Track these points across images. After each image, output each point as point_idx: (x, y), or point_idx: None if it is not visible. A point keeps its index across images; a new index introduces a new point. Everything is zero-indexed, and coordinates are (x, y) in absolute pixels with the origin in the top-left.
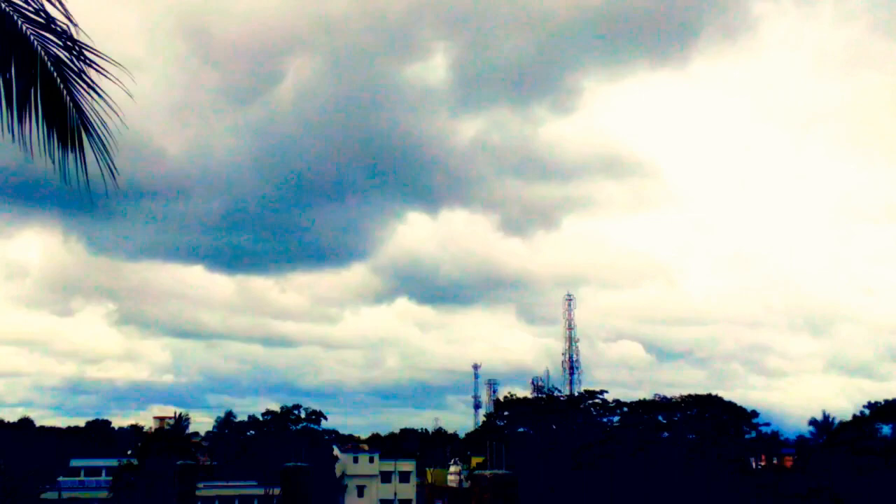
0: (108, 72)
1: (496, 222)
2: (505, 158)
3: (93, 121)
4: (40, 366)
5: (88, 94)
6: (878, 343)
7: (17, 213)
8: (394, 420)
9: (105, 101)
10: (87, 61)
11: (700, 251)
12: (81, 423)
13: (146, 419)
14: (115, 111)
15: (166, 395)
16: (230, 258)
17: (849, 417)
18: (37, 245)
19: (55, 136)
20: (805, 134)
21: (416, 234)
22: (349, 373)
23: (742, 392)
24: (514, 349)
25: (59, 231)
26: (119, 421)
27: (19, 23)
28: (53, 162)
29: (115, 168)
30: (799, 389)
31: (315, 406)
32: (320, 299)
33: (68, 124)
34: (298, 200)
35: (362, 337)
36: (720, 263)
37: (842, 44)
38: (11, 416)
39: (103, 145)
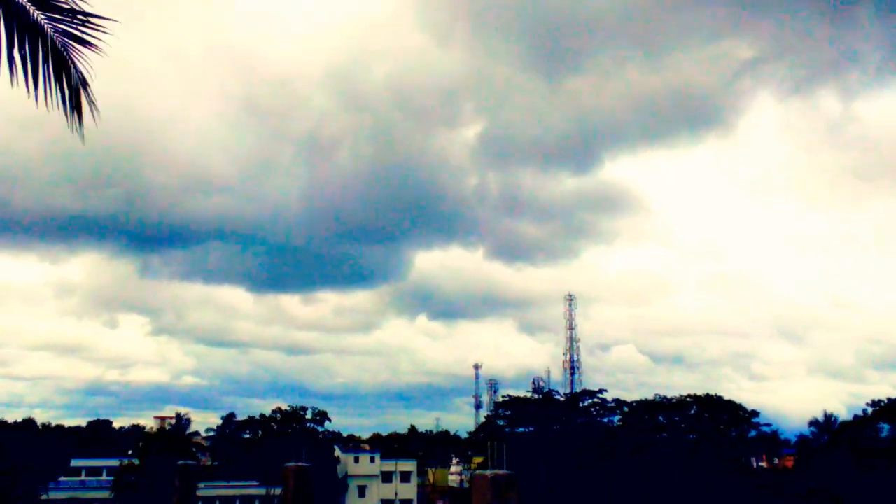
0: (105, 28)
1: (507, 255)
2: (514, 205)
3: (88, 80)
4: (77, 370)
5: (86, 53)
6: (856, 350)
7: (83, 242)
8: (399, 421)
9: (104, 55)
10: (90, 24)
11: (686, 275)
12: (85, 423)
13: (148, 419)
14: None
15: (187, 397)
16: (270, 282)
17: (830, 418)
18: (97, 268)
19: (67, 96)
20: (768, 187)
21: (431, 264)
22: (361, 377)
23: (735, 395)
24: (515, 353)
25: (120, 257)
26: (122, 421)
27: (31, 11)
28: (65, 114)
29: (97, 110)
30: (784, 392)
31: (327, 408)
32: (346, 316)
33: (73, 83)
34: (339, 238)
35: (378, 347)
36: (705, 285)
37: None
38: (42, 416)
39: (94, 105)
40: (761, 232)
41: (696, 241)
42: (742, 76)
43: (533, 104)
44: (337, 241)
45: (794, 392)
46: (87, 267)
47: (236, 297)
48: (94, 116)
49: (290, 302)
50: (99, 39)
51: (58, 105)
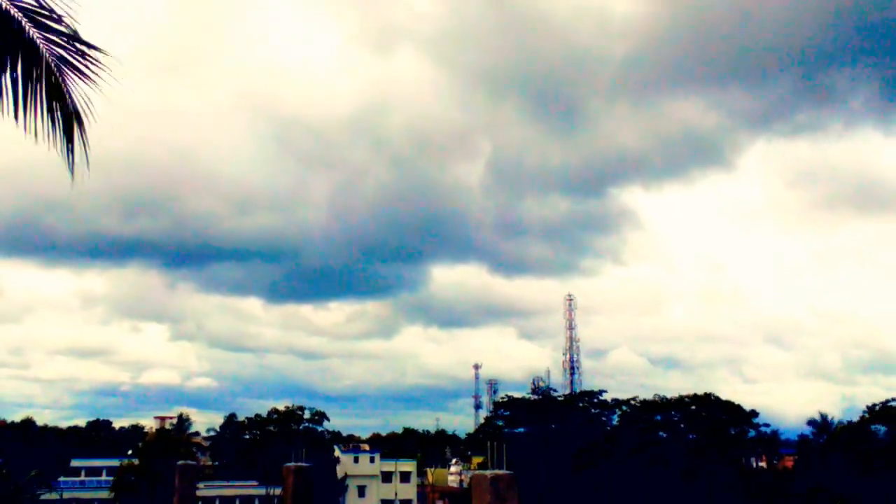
0: (104, 65)
1: (510, 270)
2: (517, 226)
3: (83, 112)
4: (93, 372)
5: (83, 84)
6: (841, 354)
7: (121, 259)
8: (403, 422)
9: (100, 90)
10: (87, 57)
11: (681, 288)
12: (86, 423)
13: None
14: (107, 101)
15: (199, 399)
16: (290, 294)
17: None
18: (124, 281)
19: (55, 125)
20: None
21: (441, 279)
22: (369, 380)
23: (730, 397)
24: (515, 356)
25: (150, 272)
26: (132, 421)
27: (27, 28)
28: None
29: (89, 148)
30: (775, 394)
31: (330, 409)
32: (359, 323)
33: (67, 113)
34: (360, 257)
35: (385, 352)
36: (699, 297)
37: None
38: (49, 416)
39: (81, 136)
40: (748, 252)
41: (691, 259)
42: (727, 128)
43: (535, 141)
44: (357, 258)
45: (784, 394)
46: (113, 280)
47: (256, 307)
48: (86, 153)
49: (307, 311)
50: (95, 73)
51: (48, 135)
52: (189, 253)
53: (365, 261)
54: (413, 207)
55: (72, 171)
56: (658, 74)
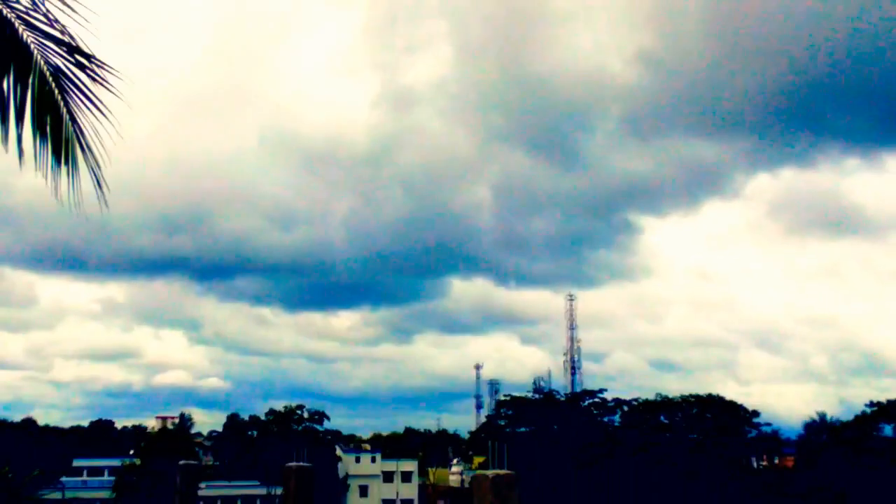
0: (108, 82)
1: (515, 281)
2: (521, 243)
3: (88, 135)
4: (108, 373)
5: (86, 105)
6: (830, 357)
7: (151, 273)
8: (406, 423)
9: (103, 112)
10: (88, 71)
11: (678, 298)
12: (89, 423)
13: (150, 419)
14: (112, 123)
15: (209, 400)
16: (304, 302)
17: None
18: (148, 291)
19: (49, 148)
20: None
21: (449, 289)
22: (375, 382)
23: (729, 398)
24: (516, 357)
25: (179, 284)
26: (125, 421)
27: (20, 30)
28: (47, 175)
29: (106, 186)
30: (770, 395)
31: (338, 410)
32: (370, 330)
33: (63, 137)
34: (375, 271)
35: (391, 356)
36: (694, 305)
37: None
38: (56, 416)
39: (95, 161)
40: (739, 268)
41: (685, 273)
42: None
43: (539, 170)
44: (372, 272)
45: (778, 395)
46: (139, 291)
47: (272, 315)
48: (96, 176)
49: (323, 318)
50: (91, 89)
51: (37, 155)
52: (216, 267)
53: (380, 274)
54: (426, 227)
55: (56, 193)
56: (655, 121)
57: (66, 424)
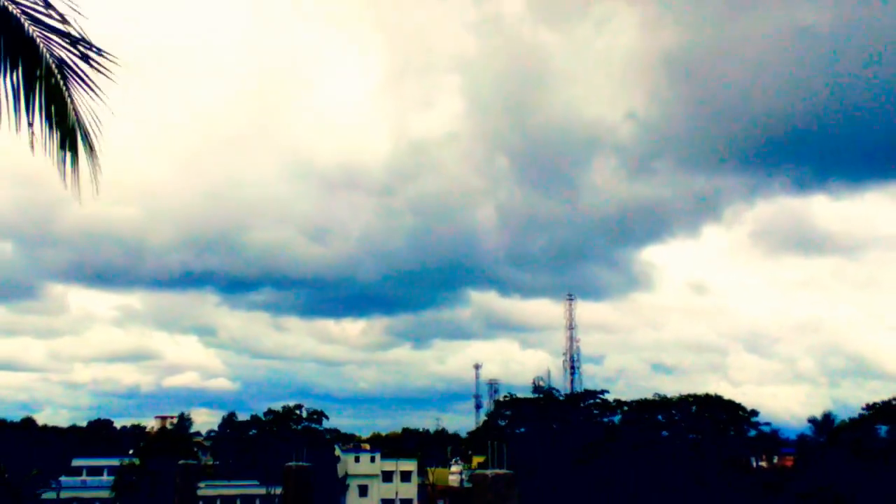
0: (109, 71)
1: (518, 292)
2: (524, 258)
3: (87, 122)
4: (121, 374)
5: (88, 94)
6: (820, 361)
7: (183, 287)
8: (407, 423)
9: (103, 100)
10: (90, 61)
11: (674, 306)
12: (87, 423)
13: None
14: (111, 111)
15: (218, 400)
16: (323, 310)
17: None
18: (166, 300)
19: (56, 136)
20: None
21: (454, 299)
22: (380, 384)
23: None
24: (516, 359)
25: (195, 295)
26: (125, 421)
27: (26, 25)
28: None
29: (99, 169)
30: (764, 397)
31: (343, 411)
32: (378, 336)
33: (68, 125)
34: (392, 285)
35: (395, 360)
36: (688, 314)
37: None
38: (63, 416)
39: (90, 148)
40: (731, 279)
41: (680, 285)
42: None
43: (541, 195)
44: (386, 283)
45: (771, 397)
46: (156, 299)
47: (287, 322)
48: (94, 167)
49: (337, 325)
50: (94, 80)
51: (46, 146)
52: (239, 279)
53: (392, 286)
54: (437, 243)
55: (65, 182)
56: (652, 155)
57: (66, 424)
